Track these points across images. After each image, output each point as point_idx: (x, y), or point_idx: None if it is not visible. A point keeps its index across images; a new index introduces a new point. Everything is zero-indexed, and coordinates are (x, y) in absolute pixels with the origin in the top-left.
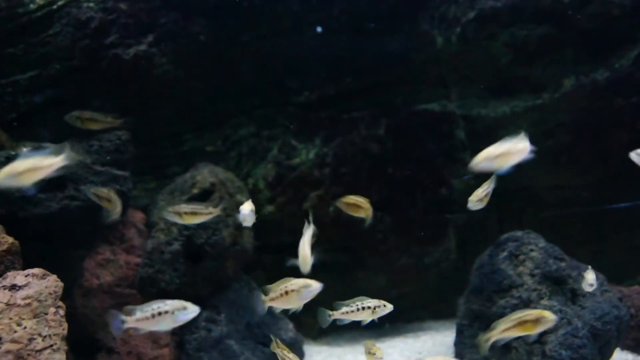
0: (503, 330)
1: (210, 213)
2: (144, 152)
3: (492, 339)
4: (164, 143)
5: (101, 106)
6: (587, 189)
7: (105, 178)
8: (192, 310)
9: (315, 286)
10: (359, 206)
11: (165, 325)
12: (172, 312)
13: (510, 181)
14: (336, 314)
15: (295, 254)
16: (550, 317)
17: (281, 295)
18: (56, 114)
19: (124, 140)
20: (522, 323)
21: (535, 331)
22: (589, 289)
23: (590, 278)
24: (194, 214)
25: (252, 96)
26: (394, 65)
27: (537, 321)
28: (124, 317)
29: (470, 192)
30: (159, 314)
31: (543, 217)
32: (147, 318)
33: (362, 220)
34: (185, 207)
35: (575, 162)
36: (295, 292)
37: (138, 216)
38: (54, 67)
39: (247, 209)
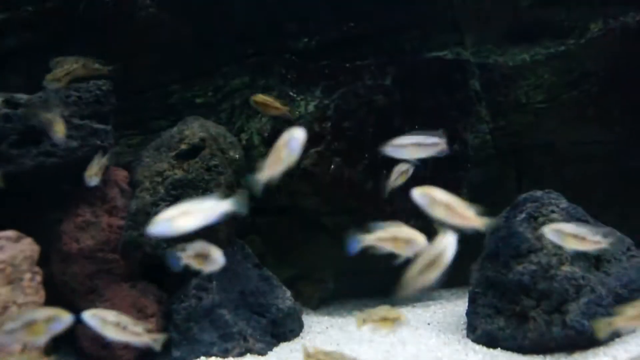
0: (632, 318)
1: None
2: (127, 105)
3: (616, 326)
4: (149, 94)
5: (79, 53)
6: (615, 145)
7: (84, 132)
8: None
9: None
10: (269, 105)
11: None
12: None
13: (529, 136)
14: (369, 240)
15: (292, 216)
16: None
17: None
18: (29, 61)
19: (104, 91)
20: None
21: None
22: None
23: None
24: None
25: (246, 42)
26: (401, 9)
27: None
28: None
29: (486, 147)
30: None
31: (565, 175)
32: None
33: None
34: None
35: (603, 115)
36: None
37: (121, 174)
38: (26, 9)
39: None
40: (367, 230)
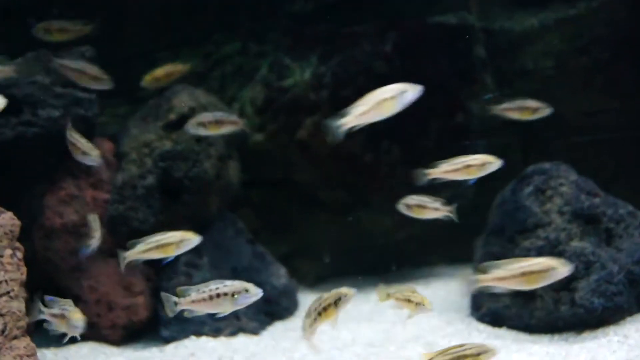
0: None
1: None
2: (112, 72)
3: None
4: (136, 62)
5: (61, 18)
6: (626, 114)
7: (66, 101)
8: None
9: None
10: (170, 75)
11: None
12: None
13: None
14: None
15: (287, 190)
16: None
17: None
18: (8, 27)
19: (88, 58)
20: None
21: None
22: None
23: None
24: None
25: (238, 7)
26: None
27: None
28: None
29: (491, 118)
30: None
31: (574, 146)
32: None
33: None
34: None
35: (614, 83)
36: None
37: (106, 146)
38: None
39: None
40: (483, 269)
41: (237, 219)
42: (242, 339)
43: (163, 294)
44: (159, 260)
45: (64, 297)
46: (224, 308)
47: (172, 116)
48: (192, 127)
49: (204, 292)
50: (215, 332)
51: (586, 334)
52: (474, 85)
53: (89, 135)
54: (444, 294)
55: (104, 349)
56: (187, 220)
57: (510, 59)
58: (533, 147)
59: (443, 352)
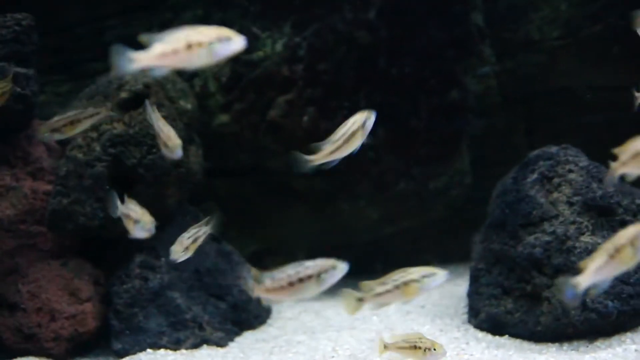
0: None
1: None
2: (53, 44)
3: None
4: (80, 31)
5: None
6: None
7: (1, 77)
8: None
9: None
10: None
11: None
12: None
13: (542, 80)
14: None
15: (257, 179)
16: None
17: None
18: None
19: (25, 27)
20: None
21: None
22: None
23: None
24: None
25: None
26: None
27: None
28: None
29: (490, 94)
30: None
31: (585, 127)
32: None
33: None
34: None
35: (631, 54)
36: None
37: None
38: None
39: None
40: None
41: (199, 213)
42: (206, 352)
43: (246, 265)
44: (108, 262)
45: None
46: (309, 293)
47: (124, 94)
48: (46, 136)
49: (281, 278)
50: (175, 344)
51: (599, 342)
52: (470, 57)
53: (27, 117)
54: (438, 297)
55: None
56: None
57: (512, 28)
58: (538, 128)
59: None
